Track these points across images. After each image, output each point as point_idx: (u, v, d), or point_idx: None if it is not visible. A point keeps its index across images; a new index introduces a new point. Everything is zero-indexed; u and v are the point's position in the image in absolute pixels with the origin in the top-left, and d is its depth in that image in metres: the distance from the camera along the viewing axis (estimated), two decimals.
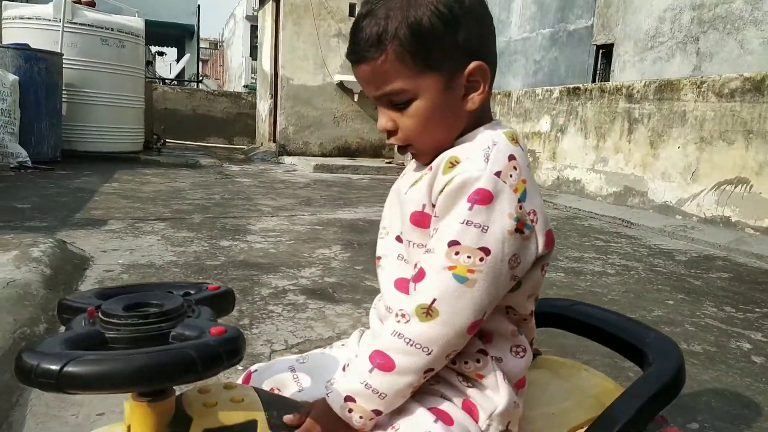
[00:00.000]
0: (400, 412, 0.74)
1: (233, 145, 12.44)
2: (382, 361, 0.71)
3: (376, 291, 0.89)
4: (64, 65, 7.01)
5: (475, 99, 0.78)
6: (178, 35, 20.34)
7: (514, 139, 0.78)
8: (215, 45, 35.49)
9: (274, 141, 9.72)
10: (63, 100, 7.10)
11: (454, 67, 0.75)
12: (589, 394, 0.90)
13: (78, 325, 0.62)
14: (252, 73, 18.14)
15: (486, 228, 0.70)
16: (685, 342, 2.28)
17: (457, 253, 0.70)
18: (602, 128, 5.70)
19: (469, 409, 0.76)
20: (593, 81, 6.60)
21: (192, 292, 0.74)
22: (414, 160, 0.86)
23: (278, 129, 9.49)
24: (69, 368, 0.52)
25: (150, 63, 15.16)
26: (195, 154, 9.41)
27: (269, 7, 10.22)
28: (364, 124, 9.70)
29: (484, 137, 0.77)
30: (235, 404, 0.71)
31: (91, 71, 7.48)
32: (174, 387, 0.65)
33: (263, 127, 10.85)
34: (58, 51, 6.99)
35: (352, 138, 9.71)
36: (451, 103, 0.77)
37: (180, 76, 18.96)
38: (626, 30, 6.27)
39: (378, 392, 0.71)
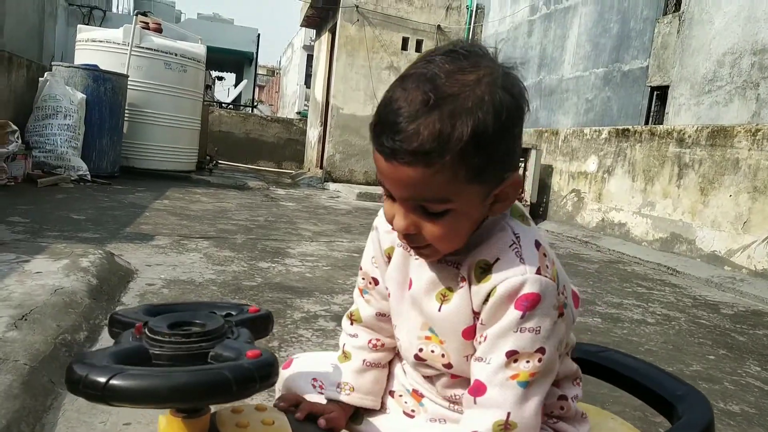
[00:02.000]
0: None
1: (282, 169, 12.75)
2: None
3: None
4: (128, 86, 7.41)
5: (500, 208, 0.72)
6: (237, 61, 21.16)
7: (522, 216, 0.76)
8: (272, 72, 36.71)
9: (321, 167, 9.92)
10: (125, 119, 7.48)
11: (497, 180, 0.69)
12: None
13: (126, 340, 0.67)
14: (305, 100, 18.64)
15: (539, 329, 0.69)
16: (723, 400, 2.18)
17: (516, 361, 0.70)
18: (651, 171, 5.58)
19: None
20: (647, 123, 6.49)
21: (234, 313, 0.78)
22: (415, 255, 0.80)
23: (325, 156, 9.69)
24: (114, 381, 0.56)
25: (209, 87, 15.80)
26: (244, 176, 9.69)
27: (325, 38, 10.54)
28: None
29: (501, 232, 0.74)
30: (265, 427, 0.74)
31: (153, 93, 7.86)
32: (210, 407, 0.69)
33: (311, 153, 11.09)
34: (125, 73, 7.39)
35: None
36: (481, 212, 0.72)
37: (236, 100, 19.67)
38: (683, 72, 6.17)
39: None
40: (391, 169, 0.67)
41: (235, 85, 22.36)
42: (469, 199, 0.68)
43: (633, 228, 5.83)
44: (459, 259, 0.75)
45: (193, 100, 8.49)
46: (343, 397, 0.88)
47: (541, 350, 0.70)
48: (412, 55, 9.50)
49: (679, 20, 6.33)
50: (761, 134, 4.44)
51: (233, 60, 20.92)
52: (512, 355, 0.69)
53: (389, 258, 0.86)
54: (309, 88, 14.67)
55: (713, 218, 4.84)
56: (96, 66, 7.10)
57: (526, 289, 0.69)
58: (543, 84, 8.51)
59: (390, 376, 0.93)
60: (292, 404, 0.85)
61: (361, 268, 0.92)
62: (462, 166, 0.65)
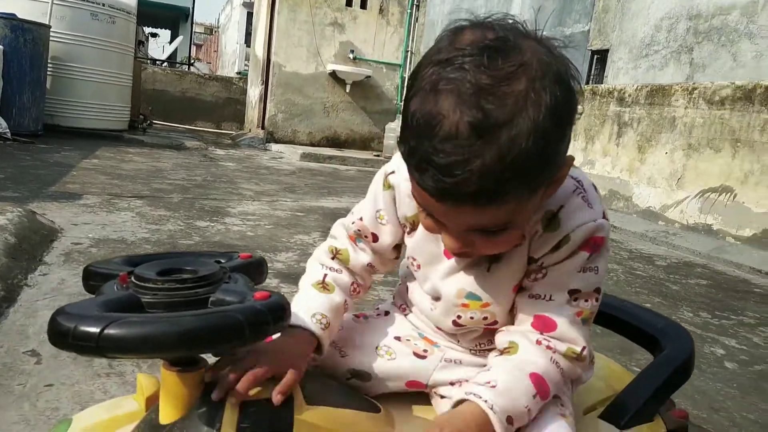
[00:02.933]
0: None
1: (221, 130, 12.29)
2: (542, 387, 0.69)
3: None
4: (51, 38, 6.85)
5: (554, 190, 0.65)
6: (172, 17, 20.09)
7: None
8: (210, 30, 35.14)
9: (263, 128, 9.62)
10: (48, 73, 6.95)
11: (554, 176, 0.62)
12: (599, 377, 0.91)
13: (110, 290, 0.60)
14: (246, 60, 17.94)
15: (598, 269, 0.70)
16: None
17: (576, 299, 0.71)
18: (591, 131, 5.69)
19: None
20: (587, 85, 6.59)
21: (222, 260, 0.71)
22: None
23: (267, 116, 9.39)
24: (110, 330, 0.50)
25: (142, 43, 14.92)
26: (181, 136, 9.29)
27: None
28: (355, 116, 9.63)
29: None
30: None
31: (79, 46, 7.33)
32: (204, 358, 0.64)
33: (252, 113, 10.73)
34: (46, 23, 6.83)
35: (341, 129, 9.63)
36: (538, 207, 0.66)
37: (172, 58, 18.74)
38: (622, 36, 6.26)
39: (532, 414, 0.69)
40: (441, 207, 0.59)
41: (171, 42, 21.30)
42: (529, 209, 0.62)
43: None
44: None
45: (123, 54, 7.98)
46: (315, 328, 0.74)
47: (598, 290, 0.71)
48: (356, 11, 9.24)
49: None
50: (697, 92, 4.57)
51: (168, 15, 19.84)
52: (574, 293, 0.70)
53: (412, 225, 0.78)
54: (249, 47, 14.10)
55: (650, 175, 4.99)
56: (14, 15, 6.52)
57: (597, 234, 0.68)
58: None
59: (392, 322, 0.87)
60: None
61: (361, 219, 0.82)
62: (525, 188, 0.57)
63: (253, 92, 10.61)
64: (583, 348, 0.71)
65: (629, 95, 5.24)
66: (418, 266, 0.80)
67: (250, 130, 10.83)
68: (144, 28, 21.90)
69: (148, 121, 9.38)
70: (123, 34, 7.89)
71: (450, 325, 0.79)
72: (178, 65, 17.34)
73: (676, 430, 0.88)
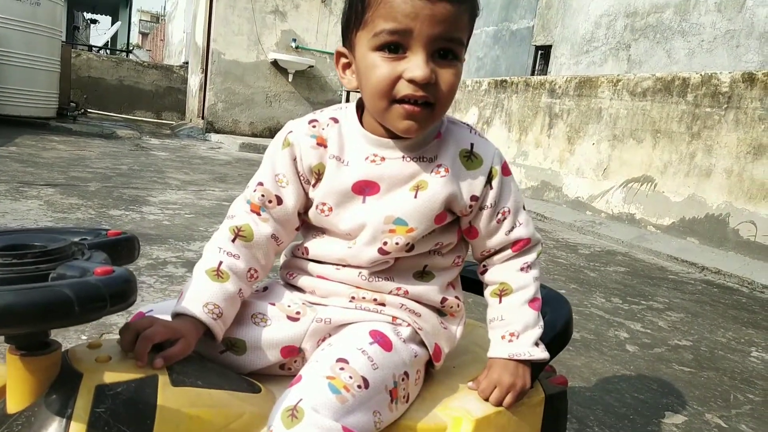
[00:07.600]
0: None
1: (162, 120, 11.90)
2: (537, 305, 0.90)
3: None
4: None
5: (463, 58, 0.84)
6: (111, 3, 19.34)
7: None
8: (157, 18, 34.04)
9: (203, 117, 9.35)
10: None
11: (468, 38, 0.82)
12: (484, 349, 0.95)
13: None
14: None
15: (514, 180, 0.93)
16: None
17: (524, 207, 0.92)
18: (525, 122, 5.75)
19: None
20: (521, 77, 6.67)
21: (89, 237, 0.67)
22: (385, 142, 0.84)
23: (206, 105, 9.13)
24: None
25: (77, 29, 14.27)
26: (115, 125, 8.93)
27: None
28: (298, 106, 9.47)
29: (453, 125, 0.88)
30: (132, 359, 0.65)
31: (0, 27, 6.92)
32: (57, 341, 0.59)
33: (193, 102, 10.43)
34: None
35: (284, 119, 9.43)
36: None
37: (113, 45, 18.02)
38: (564, 33, 6.36)
39: (539, 322, 0.90)
40: (436, 8, 0.73)
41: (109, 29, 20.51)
42: (464, 50, 0.79)
43: None
44: (434, 153, 0.84)
45: (50, 38, 7.57)
46: (206, 319, 0.75)
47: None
48: None
49: None
50: (621, 84, 4.67)
51: (107, 1, 19.10)
52: (521, 205, 0.91)
53: (318, 175, 0.85)
54: None
55: (578, 166, 5.09)
56: None
57: (502, 157, 0.89)
58: None
59: (271, 293, 0.89)
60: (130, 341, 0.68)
61: (261, 184, 0.85)
62: (471, 18, 0.78)
63: (194, 81, 10.32)
64: (539, 240, 0.93)
65: (559, 87, 5.32)
66: (330, 209, 0.84)
67: (190, 120, 10.54)
68: (84, 13, 21.02)
69: (82, 110, 8.98)
70: (49, 17, 7.49)
71: (373, 255, 0.82)
72: (118, 52, 16.70)
73: (555, 395, 0.92)
